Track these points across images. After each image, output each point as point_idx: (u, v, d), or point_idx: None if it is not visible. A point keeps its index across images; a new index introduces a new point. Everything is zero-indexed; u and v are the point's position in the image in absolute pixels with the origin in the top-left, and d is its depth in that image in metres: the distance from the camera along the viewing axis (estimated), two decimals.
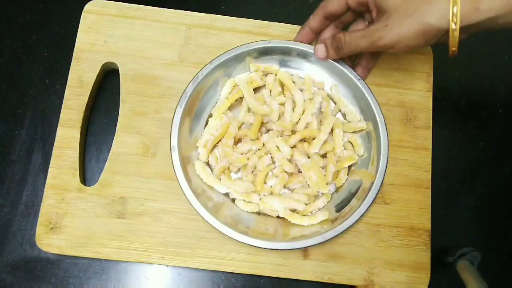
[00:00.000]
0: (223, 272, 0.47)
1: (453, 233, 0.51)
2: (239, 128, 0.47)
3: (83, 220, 0.46)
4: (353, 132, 0.48)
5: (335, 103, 0.49)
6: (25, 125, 0.50)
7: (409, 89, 0.50)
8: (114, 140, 0.48)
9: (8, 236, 0.47)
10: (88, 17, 0.50)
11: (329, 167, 0.46)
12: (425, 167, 0.48)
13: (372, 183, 0.44)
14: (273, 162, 0.47)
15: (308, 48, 0.47)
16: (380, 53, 0.48)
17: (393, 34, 0.37)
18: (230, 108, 0.48)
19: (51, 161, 0.47)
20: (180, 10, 0.51)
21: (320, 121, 0.48)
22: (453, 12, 0.34)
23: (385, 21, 0.38)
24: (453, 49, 0.37)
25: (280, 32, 0.51)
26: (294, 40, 0.48)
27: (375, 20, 0.41)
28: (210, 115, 0.49)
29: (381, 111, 0.46)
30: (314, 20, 0.46)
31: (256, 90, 0.49)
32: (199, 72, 0.47)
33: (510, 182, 0.52)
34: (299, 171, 0.47)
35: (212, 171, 0.47)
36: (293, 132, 0.47)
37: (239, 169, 0.47)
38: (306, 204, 0.46)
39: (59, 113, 0.48)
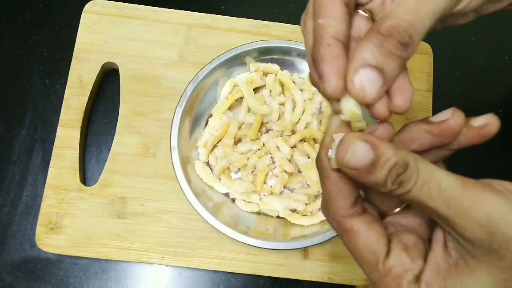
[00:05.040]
0: (223, 272, 0.47)
1: None
2: (239, 128, 0.47)
3: (83, 220, 0.45)
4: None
5: None
6: (25, 125, 0.50)
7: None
8: (114, 140, 0.48)
9: (8, 236, 0.47)
10: (88, 17, 0.50)
11: None
12: None
13: None
14: (273, 162, 0.47)
15: None
16: None
17: None
18: (230, 108, 0.48)
19: (51, 161, 0.47)
20: (180, 10, 0.51)
21: (320, 121, 0.48)
22: None
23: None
24: None
25: (280, 32, 0.51)
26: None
27: None
28: (210, 115, 0.49)
29: None
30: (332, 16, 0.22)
31: (256, 90, 0.49)
32: (199, 72, 0.47)
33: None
34: (299, 171, 0.47)
35: (212, 171, 0.47)
36: (293, 132, 0.47)
37: (239, 169, 0.47)
38: (306, 204, 0.46)
39: (59, 113, 0.48)
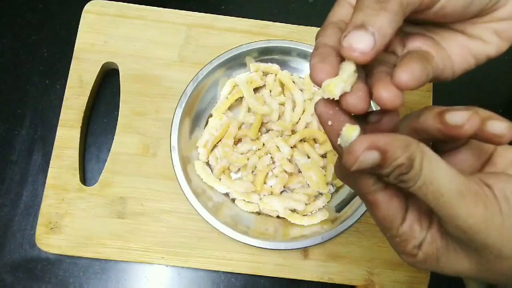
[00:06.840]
0: (223, 272, 0.47)
1: None
2: (239, 128, 0.47)
3: (83, 220, 0.45)
4: None
5: None
6: (25, 125, 0.50)
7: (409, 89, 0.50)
8: (114, 140, 0.48)
9: (8, 236, 0.47)
10: (88, 17, 0.50)
11: (329, 167, 0.46)
12: None
13: None
14: (273, 162, 0.47)
15: (308, 48, 0.47)
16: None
17: None
18: (230, 108, 0.48)
19: (51, 161, 0.47)
20: (180, 10, 0.51)
21: None
22: None
23: None
24: None
25: (280, 32, 0.51)
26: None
27: None
28: (210, 115, 0.49)
29: None
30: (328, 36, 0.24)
31: (256, 90, 0.49)
32: (199, 72, 0.47)
33: None
34: (299, 171, 0.47)
35: (212, 171, 0.47)
36: (293, 132, 0.47)
37: (239, 169, 0.47)
38: (306, 204, 0.46)
39: (59, 113, 0.48)
